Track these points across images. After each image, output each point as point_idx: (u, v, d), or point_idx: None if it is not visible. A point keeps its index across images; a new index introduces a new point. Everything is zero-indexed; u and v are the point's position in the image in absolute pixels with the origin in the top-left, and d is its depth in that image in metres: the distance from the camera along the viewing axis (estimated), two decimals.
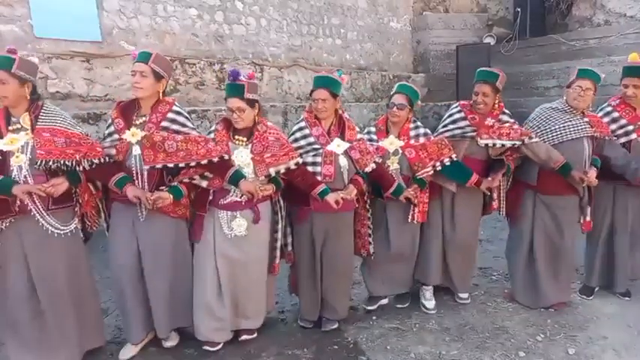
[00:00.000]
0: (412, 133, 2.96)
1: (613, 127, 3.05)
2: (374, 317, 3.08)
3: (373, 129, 3.06)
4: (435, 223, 3.11)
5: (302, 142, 2.73)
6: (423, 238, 3.14)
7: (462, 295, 3.29)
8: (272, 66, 6.82)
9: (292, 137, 2.77)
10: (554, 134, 2.96)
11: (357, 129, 2.87)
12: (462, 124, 3.00)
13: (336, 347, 2.76)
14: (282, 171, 2.58)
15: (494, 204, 3.13)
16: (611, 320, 2.99)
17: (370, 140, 2.96)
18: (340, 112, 2.85)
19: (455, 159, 2.90)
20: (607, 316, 3.03)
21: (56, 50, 4.81)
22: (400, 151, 2.92)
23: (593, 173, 2.94)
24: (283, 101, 6.64)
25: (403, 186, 2.88)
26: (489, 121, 2.94)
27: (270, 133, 2.59)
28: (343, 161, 2.72)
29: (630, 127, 3.04)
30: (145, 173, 2.43)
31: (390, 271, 3.13)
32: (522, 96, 7.80)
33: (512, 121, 2.98)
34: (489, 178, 2.96)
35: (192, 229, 2.62)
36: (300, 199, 2.72)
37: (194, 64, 5.91)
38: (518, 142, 2.92)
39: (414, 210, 2.95)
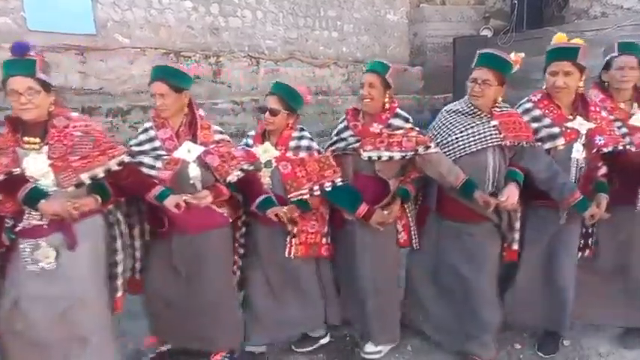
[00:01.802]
0: (292, 143, 2.40)
1: (534, 126, 2.41)
2: None
3: (253, 133, 2.55)
4: (348, 262, 2.53)
5: (146, 147, 2.24)
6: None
7: (375, 349, 2.57)
8: (268, 59, 6.78)
9: (136, 141, 2.29)
10: (451, 146, 2.36)
11: (216, 128, 2.39)
12: (345, 134, 2.48)
13: (332, 340, 2.76)
14: (101, 175, 2.00)
15: (402, 237, 2.51)
16: None
17: (246, 145, 2.48)
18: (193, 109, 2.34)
19: (339, 183, 2.36)
20: None
21: (50, 43, 4.75)
22: (274, 163, 2.38)
23: (509, 192, 2.26)
24: None
25: (275, 202, 2.28)
26: (376, 127, 2.39)
27: (75, 127, 1.95)
28: (194, 171, 2.20)
29: (556, 130, 2.36)
30: None
31: (274, 313, 2.50)
32: (520, 88, 7.80)
33: (408, 126, 2.42)
34: (385, 212, 2.35)
35: None
36: (154, 219, 2.23)
37: (189, 57, 5.86)
38: (410, 153, 2.35)
39: (291, 241, 2.36)
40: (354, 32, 8.26)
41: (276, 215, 2.21)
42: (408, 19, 9.20)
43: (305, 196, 2.34)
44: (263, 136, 2.48)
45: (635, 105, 2.53)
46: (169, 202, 2.07)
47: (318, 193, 2.37)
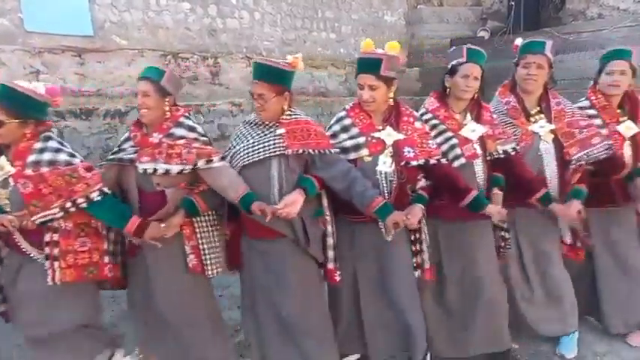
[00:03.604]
0: (32, 157, 1.99)
1: (343, 136, 2.29)
2: None
3: None
4: (145, 294, 2.28)
5: None
6: None
7: None
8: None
9: None
10: (238, 156, 2.22)
11: None
12: (125, 145, 2.24)
13: None
14: None
15: (191, 261, 2.23)
16: None
17: None
18: None
19: (96, 198, 2.02)
20: None
21: (47, 45, 4.75)
22: (11, 182, 1.98)
23: (288, 199, 2.09)
24: None
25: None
26: (155, 137, 2.15)
27: None
28: None
29: (361, 140, 2.25)
30: None
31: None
32: None
33: (192, 136, 2.20)
34: (162, 225, 2.09)
35: None
36: None
37: (187, 59, 5.86)
38: (189, 167, 2.12)
39: (52, 265, 2.01)
40: (352, 34, 8.27)
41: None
42: (405, 21, 9.22)
43: (57, 215, 1.99)
44: None
45: (469, 116, 2.40)
46: None
47: (73, 209, 2.02)
